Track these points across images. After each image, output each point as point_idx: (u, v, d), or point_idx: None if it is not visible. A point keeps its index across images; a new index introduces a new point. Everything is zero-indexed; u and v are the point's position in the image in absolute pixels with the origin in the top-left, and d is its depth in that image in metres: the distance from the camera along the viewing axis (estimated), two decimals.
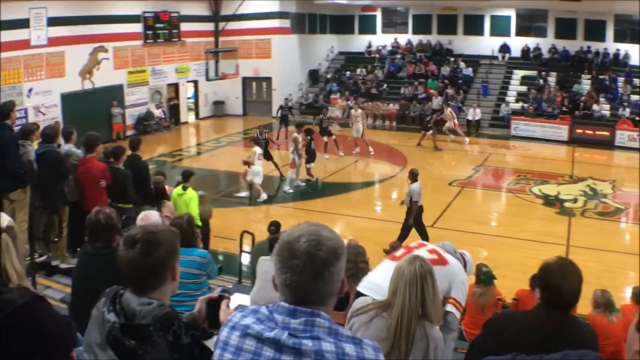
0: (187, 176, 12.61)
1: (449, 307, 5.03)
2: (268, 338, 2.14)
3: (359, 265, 5.60)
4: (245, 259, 12.13)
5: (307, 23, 37.46)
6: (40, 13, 24.02)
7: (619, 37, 32.59)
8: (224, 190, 20.60)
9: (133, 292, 2.72)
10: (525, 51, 34.68)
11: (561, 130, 28.50)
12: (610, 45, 32.81)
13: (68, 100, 25.61)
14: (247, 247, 12.20)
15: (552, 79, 32.49)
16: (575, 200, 18.61)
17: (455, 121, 27.83)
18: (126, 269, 2.73)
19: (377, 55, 38.33)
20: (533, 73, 33.38)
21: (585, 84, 31.44)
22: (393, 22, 39.20)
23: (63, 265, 9.72)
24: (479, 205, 19.31)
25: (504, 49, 35.11)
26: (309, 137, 19.99)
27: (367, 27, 39.49)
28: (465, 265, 5.44)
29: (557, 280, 3.47)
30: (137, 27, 29.70)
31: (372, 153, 24.78)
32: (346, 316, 3.91)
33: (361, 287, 4.74)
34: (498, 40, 35.26)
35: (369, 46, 39.01)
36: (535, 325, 3.48)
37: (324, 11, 38.26)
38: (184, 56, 33.13)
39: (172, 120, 32.40)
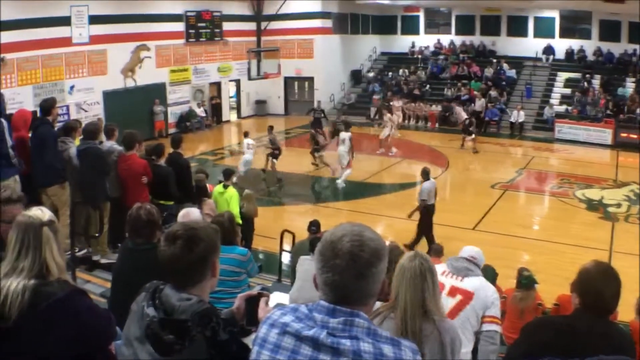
0: (228, 175, 12.67)
1: (488, 327, 5.06)
2: (307, 336, 2.13)
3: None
4: (285, 258, 12.14)
5: (349, 23, 37.44)
6: (82, 11, 24.34)
7: None
8: (264, 188, 20.66)
9: (173, 287, 2.73)
10: (569, 53, 34.26)
11: (605, 134, 28.06)
12: None
13: (110, 97, 25.93)
14: (287, 246, 12.21)
15: (596, 81, 32.03)
16: (618, 205, 18.32)
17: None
18: (167, 265, 2.74)
19: (419, 56, 38.18)
20: (577, 75, 32.92)
21: (629, 87, 30.94)
22: (436, 22, 39.02)
23: (103, 260, 9.80)
24: (521, 209, 19.09)
25: (548, 50, 34.73)
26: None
27: (410, 27, 39.36)
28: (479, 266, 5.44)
29: (598, 286, 3.41)
30: (180, 26, 30.01)
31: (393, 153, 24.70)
32: None
33: None
34: (542, 42, 34.88)
35: (412, 47, 38.86)
36: (574, 331, 3.42)
37: (366, 11, 38.21)
38: (226, 55, 33.36)
39: (214, 119, 32.68)
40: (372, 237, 2.19)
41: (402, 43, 39.42)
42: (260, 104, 35.94)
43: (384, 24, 39.73)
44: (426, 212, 14.45)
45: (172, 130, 28.47)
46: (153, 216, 4.95)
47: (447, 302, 4.84)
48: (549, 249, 14.46)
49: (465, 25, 37.52)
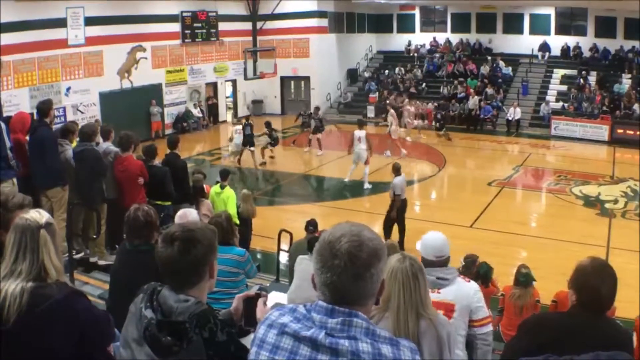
0: (225, 175, 12.66)
1: (481, 330, 4.89)
2: (305, 337, 2.12)
3: None
4: (283, 258, 12.14)
5: (345, 22, 37.44)
6: (78, 12, 24.32)
7: None
8: (262, 189, 20.69)
9: (171, 289, 2.73)
10: (565, 50, 34.28)
11: (602, 130, 28.11)
12: None
13: (106, 99, 25.91)
14: (285, 245, 12.20)
15: (592, 78, 32.03)
16: (616, 202, 18.34)
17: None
18: (164, 266, 2.74)
19: (415, 54, 38.18)
20: (573, 72, 32.93)
21: (625, 84, 30.96)
22: (432, 20, 39.00)
23: (101, 262, 9.80)
24: (518, 206, 19.11)
25: (544, 47, 34.78)
26: None
27: (406, 25, 39.38)
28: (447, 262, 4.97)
29: (594, 282, 3.43)
30: (175, 27, 29.98)
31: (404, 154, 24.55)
32: None
33: None
34: (538, 39, 34.93)
35: (408, 45, 38.85)
36: (571, 327, 3.44)
37: (362, 10, 38.21)
38: (222, 55, 33.37)
39: (210, 119, 32.64)
40: (370, 237, 2.18)
41: (398, 41, 39.41)
42: (257, 103, 35.93)
43: (380, 23, 39.73)
44: (401, 207, 14.60)
45: (168, 131, 28.51)
46: (151, 217, 4.95)
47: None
48: (546, 245, 14.44)
49: (461, 23, 37.50)
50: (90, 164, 9.33)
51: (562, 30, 34.79)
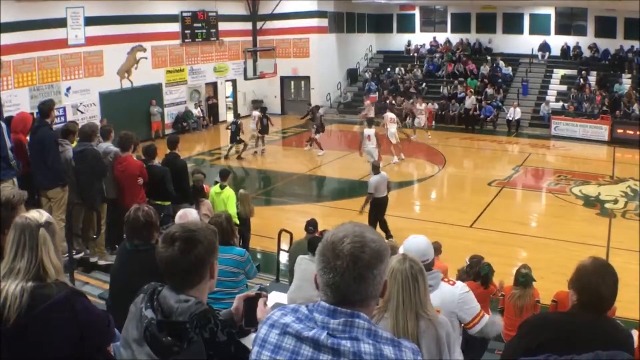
0: (224, 175, 12.66)
1: (478, 326, 4.85)
2: (307, 337, 2.13)
3: None
4: (283, 258, 12.14)
5: (345, 22, 37.43)
6: (77, 12, 24.32)
7: None
8: (262, 189, 20.70)
9: (171, 289, 2.72)
10: (565, 50, 34.25)
11: (602, 130, 28.08)
12: None
13: (106, 99, 25.91)
14: (285, 245, 12.20)
15: (592, 78, 32.00)
16: (616, 201, 18.33)
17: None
18: (165, 267, 2.73)
19: (415, 54, 38.15)
20: (573, 72, 32.89)
21: (625, 84, 30.94)
22: (432, 20, 38.96)
23: (101, 262, 9.81)
24: (518, 206, 19.10)
25: (544, 47, 34.75)
26: None
27: (406, 25, 39.35)
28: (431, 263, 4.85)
29: (595, 282, 3.42)
30: (175, 27, 29.96)
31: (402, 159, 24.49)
32: None
33: None
34: (538, 39, 34.89)
35: (408, 45, 38.82)
36: (571, 327, 3.43)
37: (362, 10, 38.18)
38: (222, 55, 33.36)
39: (210, 119, 32.61)
40: (373, 238, 2.18)
41: (398, 41, 39.38)
42: (257, 103, 35.85)
43: (380, 23, 39.69)
44: (373, 205, 14.64)
45: (168, 131, 28.47)
46: (151, 217, 4.95)
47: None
48: (546, 245, 14.43)
49: (461, 23, 37.46)
50: (90, 164, 9.33)
51: (562, 30, 34.75)
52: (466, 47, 36.90)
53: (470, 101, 31.45)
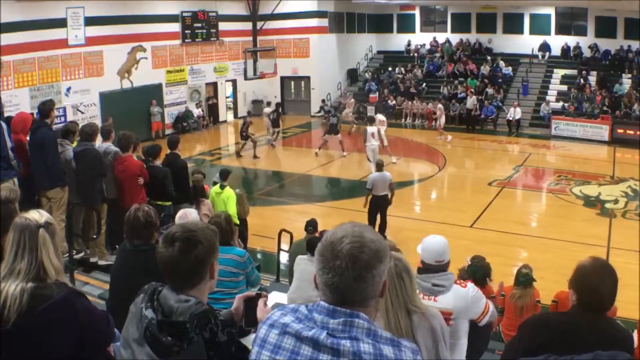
0: (224, 175, 12.66)
1: (482, 322, 4.90)
2: (306, 337, 2.13)
3: None
4: (283, 258, 12.14)
5: (345, 22, 37.42)
6: (78, 13, 24.34)
7: None
8: (263, 188, 20.71)
9: (171, 289, 2.73)
10: (565, 50, 34.25)
11: (602, 130, 28.06)
12: None
13: (107, 99, 25.93)
14: (285, 245, 12.20)
15: (592, 78, 32.01)
16: (616, 201, 18.32)
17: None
18: (165, 267, 2.73)
19: (416, 54, 38.15)
20: (573, 72, 32.90)
21: (626, 84, 30.94)
22: (432, 20, 38.95)
23: (101, 262, 9.82)
24: (518, 206, 19.09)
25: (544, 47, 34.75)
26: None
27: (406, 25, 39.34)
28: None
29: (594, 283, 3.43)
30: (175, 27, 29.98)
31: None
32: None
33: None
34: (538, 39, 34.90)
35: (408, 45, 38.82)
36: (571, 328, 3.44)
37: (362, 10, 38.18)
38: (222, 55, 33.37)
39: (210, 119, 32.63)
40: (372, 239, 2.17)
41: (398, 41, 39.37)
42: (257, 103, 35.88)
43: (380, 23, 39.69)
44: (371, 203, 14.72)
45: (168, 131, 28.50)
46: (151, 218, 4.95)
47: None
48: (546, 245, 14.43)
49: (461, 23, 37.44)
50: (90, 164, 9.34)
51: (562, 30, 34.76)
52: (466, 47, 36.89)
53: (471, 101, 31.43)
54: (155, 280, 2.84)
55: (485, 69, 34.52)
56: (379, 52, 40.22)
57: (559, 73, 33.53)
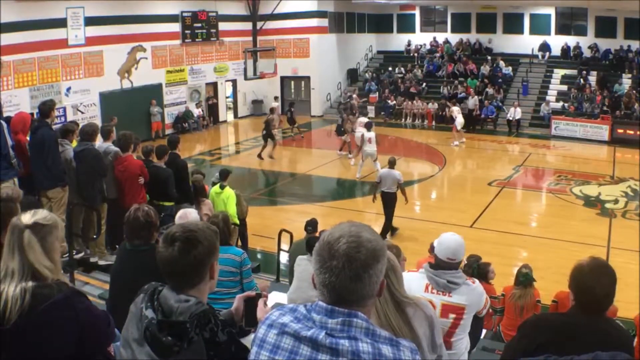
0: (224, 175, 12.66)
1: (484, 310, 5.07)
2: (305, 337, 2.13)
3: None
4: (283, 258, 12.14)
5: (345, 22, 37.41)
6: (78, 13, 24.34)
7: None
8: (262, 189, 20.72)
9: (171, 289, 2.72)
10: (565, 50, 34.25)
11: (602, 130, 28.07)
12: None
13: (107, 99, 25.94)
14: (285, 245, 12.20)
15: (592, 78, 32.01)
16: (616, 201, 18.33)
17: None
18: (165, 267, 2.73)
19: (416, 54, 38.15)
20: (573, 72, 32.91)
21: (625, 83, 30.94)
22: (432, 20, 38.97)
23: (101, 262, 9.82)
24: (518, 206, 19.08)
25: (544, 47, 34.76)
26: None
27: (406, 25, 39.35)
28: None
29: (590, 283, 3.43)
30: (175, 27, 29.97)
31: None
32: None
33: None
34: (538, 39, 34.91)
35: (408, 45, 38.82)
36: (571, 327, 3.44)
37: (362, 10, 38.16)
38: (222, 55, 33.37)
39: (210, 119, 32.63)
40: (369, 238, 2.17)
41: (398, 41, 39.38)
42: (257, 103, 35.91)
43: (380, 23, 39.70)
44: (383, 199, 15.08)
45: (168, 131, 28.51)
46: (151, 218, 4.94)
47: (441, 324, 4.64)
48: (546, 245, 14.44)
49: (461, 23, 37.46)
50: (90, 164, 9.34)
51: (562, 30, 34.77)
52: (466, 47, 36.88)
53: (472, 101, 31.42)
54: (155, 280, 2.84)
55: (485, 69, 34.53)
56: (379, 52, 40.24)
57: (559, 73, 33.54)
